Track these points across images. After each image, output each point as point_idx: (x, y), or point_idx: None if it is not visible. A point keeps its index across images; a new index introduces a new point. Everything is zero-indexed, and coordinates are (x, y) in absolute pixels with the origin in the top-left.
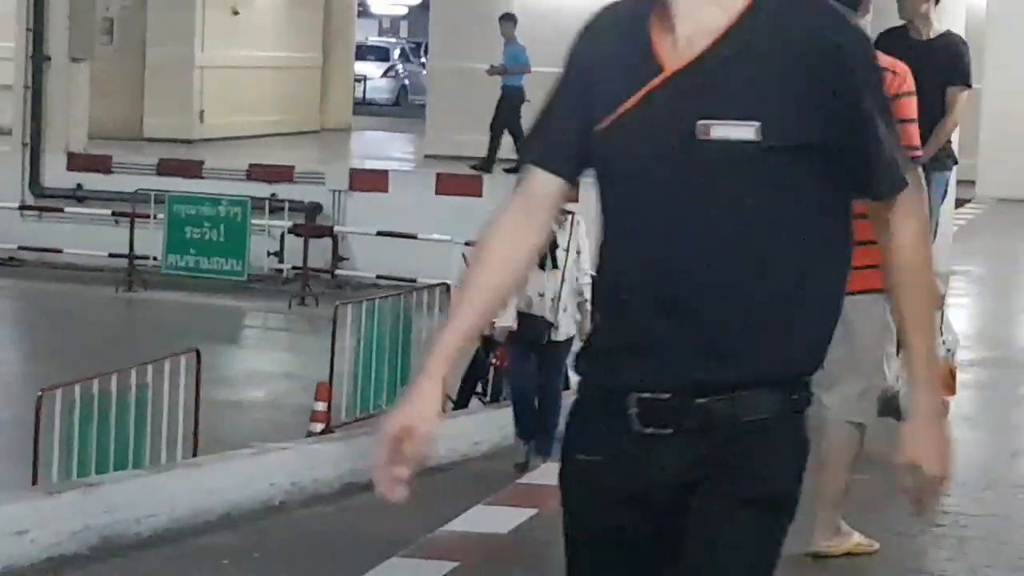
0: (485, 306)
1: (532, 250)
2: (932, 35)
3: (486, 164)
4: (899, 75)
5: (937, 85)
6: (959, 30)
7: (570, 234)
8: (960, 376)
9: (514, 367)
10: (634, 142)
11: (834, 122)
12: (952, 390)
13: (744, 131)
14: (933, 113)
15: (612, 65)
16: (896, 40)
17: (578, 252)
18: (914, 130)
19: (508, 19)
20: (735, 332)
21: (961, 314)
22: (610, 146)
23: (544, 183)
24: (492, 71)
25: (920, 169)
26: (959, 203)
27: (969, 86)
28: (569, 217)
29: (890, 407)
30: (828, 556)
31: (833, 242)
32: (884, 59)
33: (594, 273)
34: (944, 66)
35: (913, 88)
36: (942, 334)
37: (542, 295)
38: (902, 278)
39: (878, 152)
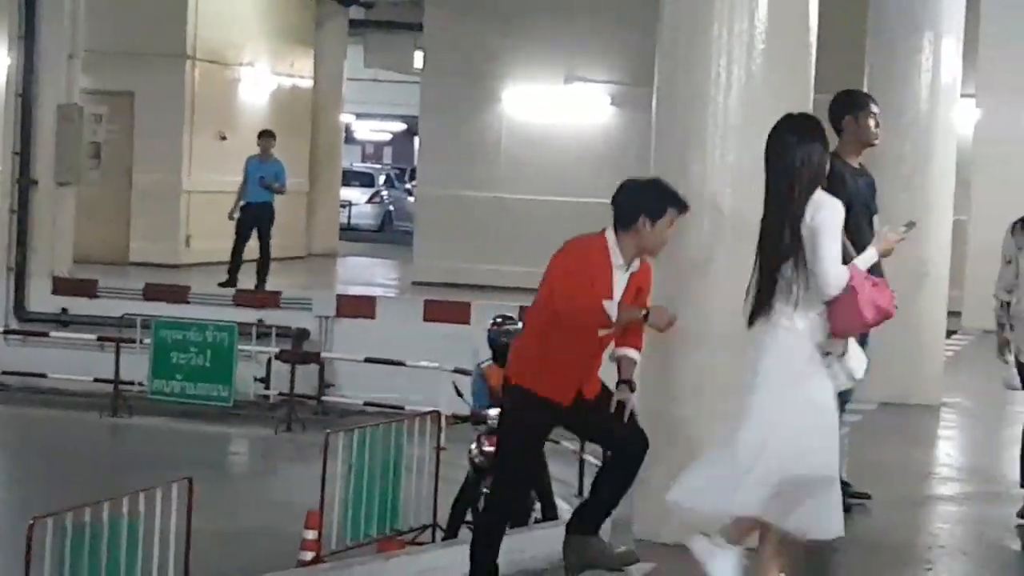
0: None
1: None
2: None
3: (228, 281)
4: None
5: (866, 215)
6: (950, 161)
7: None
8: (953, 509)
9: None
10: None
11: None
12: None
13: None
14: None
15: None
16: (845, 168)
17: None
18: None
19: (268, 135)
20: None
21: (952, 447)
22: None
23: None
24: (266, 185)
25: None
26: (948, 334)
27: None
28: None
29: None
30: None
31: None
32: None
33: None
34: (870, 195)
35: None
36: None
37: None
38: None
39: None
